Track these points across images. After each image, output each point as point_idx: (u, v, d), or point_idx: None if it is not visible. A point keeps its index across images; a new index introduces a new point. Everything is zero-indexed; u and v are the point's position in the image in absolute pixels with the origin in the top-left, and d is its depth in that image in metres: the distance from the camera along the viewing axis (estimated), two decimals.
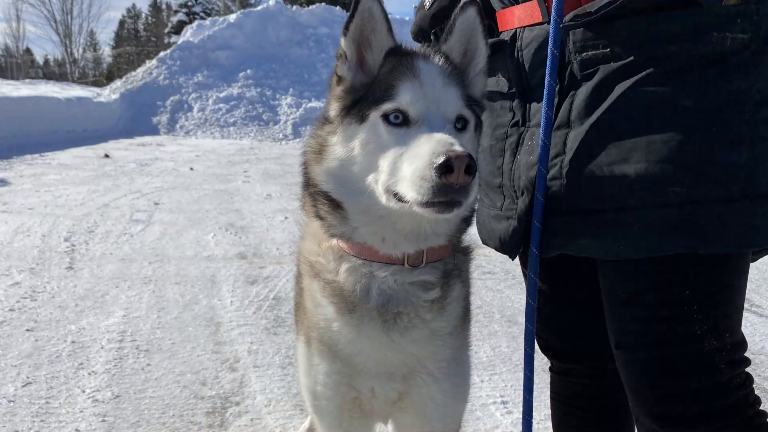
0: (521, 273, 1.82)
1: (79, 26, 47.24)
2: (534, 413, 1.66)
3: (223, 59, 19.13)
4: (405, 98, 1.30)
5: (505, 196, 1.59)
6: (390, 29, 1.40)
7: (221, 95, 17.78)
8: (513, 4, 1.56)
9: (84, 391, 2.89)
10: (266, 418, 2.75)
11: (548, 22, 1.41)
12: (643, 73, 1.29)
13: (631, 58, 1.31)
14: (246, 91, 18.02)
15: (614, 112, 1.32)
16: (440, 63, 1.41)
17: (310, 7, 22.41)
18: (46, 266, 4.73)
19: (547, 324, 1.76)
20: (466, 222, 1.48)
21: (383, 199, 1.28)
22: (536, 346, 1.69)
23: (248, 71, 18.65)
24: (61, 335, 3.49)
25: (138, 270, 4.75)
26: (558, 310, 1.75)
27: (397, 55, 1.40)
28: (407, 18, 20.65)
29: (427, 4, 1.80)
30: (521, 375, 1.67)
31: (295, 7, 22.87)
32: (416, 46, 1.49)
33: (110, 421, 2.65)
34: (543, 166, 1.42)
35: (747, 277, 1.38)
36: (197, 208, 7.07)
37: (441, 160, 1.14)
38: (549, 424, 2.07)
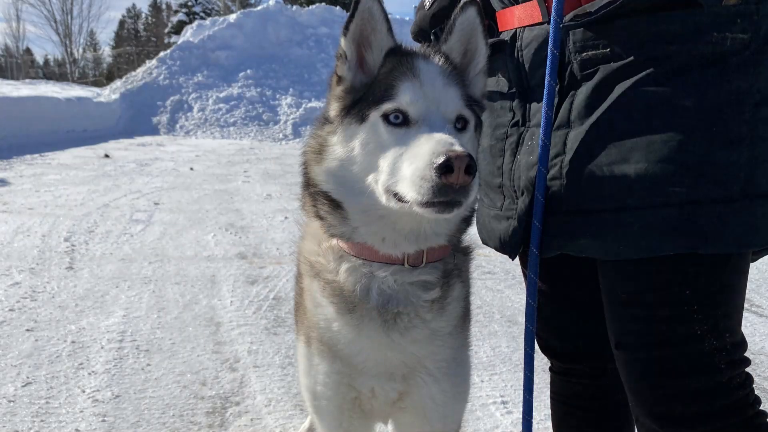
0: (521, 273, 1.82)
1: (79, 26, 47.33)
2: (534, 413, 1.66)
3: (223, 59, 19.13)
4: (405, 98, 1.30)
5: (505, 196, 1.59)
6: (390, 29, 1.40)
7: (221, 95, 17.78)
8: (513, 4, 1.56)
9: (84, 391, 2.88)
10: (266, 418, 2.75)
11: (548, 22, 1.41)
12: (643, 73, 1.29)
13: (631, 58, 1.31)
14: (246, 91, 18.02)
15: (614, 112, 1.32)
16: (440, 63, 1.41)
17: (310, 7, 22.41)
18: (46, 266, 4.73)
19: (547, 324, 1.76)
20: (466, 222, 1.48)
21: (383, 199, 1.28)
22: (536, 346, 1.69)
23: (248, 71, 18.66)
24: (61, 335, 3.49)
25: (138, 270, 4.75)
26: (558, 310, 1.75)
27: (397, 55, 1.40)
28: (407, 18, 20.67)
29: (427, 4, 1.80)
30: (521, 375, 1.67)
31: (295, 7, 22.87)
32: (416, 46, 1.49)
33: (110, 421, 2.65)
34: (543, 166, 1.42)
35: (747, 277, 1.38)
36: (197, 208, 7.07)
37: (441, 160, 1.14)
38: (549, 424, 2.07)
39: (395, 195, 1.25)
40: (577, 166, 1.37)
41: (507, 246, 1.59)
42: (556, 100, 1.42)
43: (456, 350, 1.51)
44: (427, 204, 1.19)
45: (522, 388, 1.64)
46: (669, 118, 1.27)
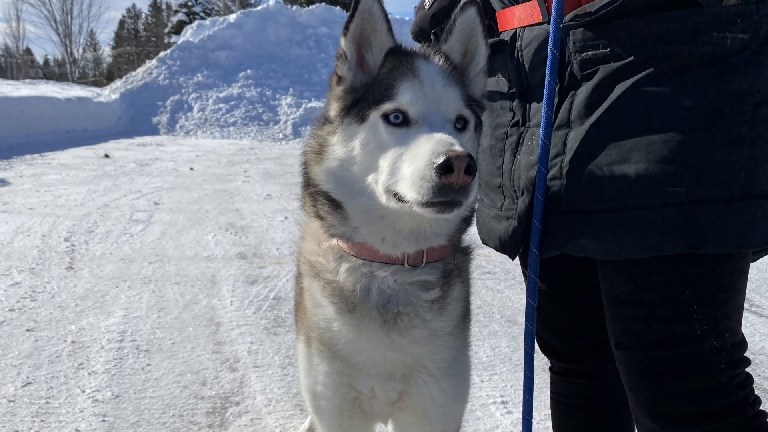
0: (521, 273, 1.82)
1: (79, 26, 47.37)
2: (534, 413, 1.66)
3: (223, 59, 19.13)
4: (405, 98, 1.30)
5: (505, 196, 1.59)
6: (390, 29, 1.40)
7: (221, 95, 17.79)
8: (513, 4, 1.56)
9: (84, 391, 2.88)
10: (266, 418, 2.75)
11: (548, 22, 1.41)
12: (643, 73, 1.29)
13: (631, 58, 1.31)
14: (246, 91, 18.02)
15: (614, 112, 1.32)
16: (440, 63, 1.41)
17: (310, 7, 22.41)
18: (46, 266, 4.73)
19: (548, 324, 1.76)
20: (466, 222, 1.48)
21: (383, 199, 1.28)
22: (536, 346, 1.69)
23: (248, 71, 18.66)
24: (61, 335, 3.49)
25: (138, 270, 4.75)
26: (558, 310, 1.75)
27: (397, 55, 1.40)
28: (407, 18, 20.68)
29: (427, 4, 1.80)
30: (521, 375, 1.68)
31: (295, 7, 22.86)
32: (416, 46, 1.49)
33: (110, 421, 2.65)
34: (543, 166, 1.42)
35: (747, 277, 1.38)
36: (197, 208, 7.07)
37: (441, 160, 1.14)
38: (549, 424, 2.07)
39: (395, 195, 1.25)
40: (577, 166, 1.37)
41: (507, 246, 1.59)
42: (556, 100, 1.42)
43: (456, 350, 1.51)
44: (427, 204, 1.19)
45: (522, 388, 1.64)
46: (669, 118, 1.27)
